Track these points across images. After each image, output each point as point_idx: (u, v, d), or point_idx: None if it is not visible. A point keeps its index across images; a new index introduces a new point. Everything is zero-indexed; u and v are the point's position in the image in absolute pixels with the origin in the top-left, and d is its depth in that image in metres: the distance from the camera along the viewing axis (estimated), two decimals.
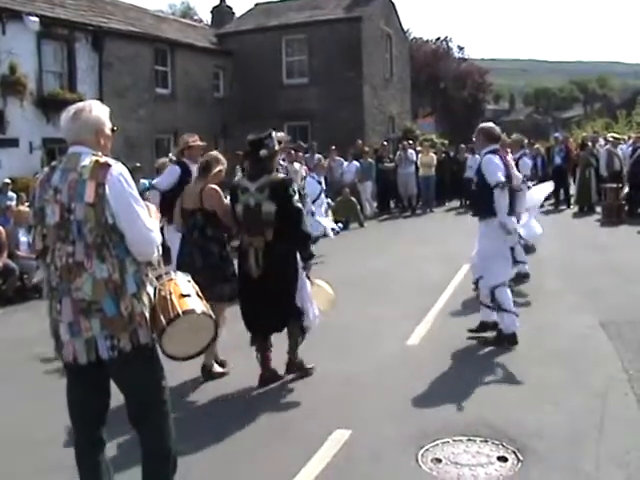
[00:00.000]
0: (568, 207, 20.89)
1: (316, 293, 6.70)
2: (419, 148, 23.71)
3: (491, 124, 8.00)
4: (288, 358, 6.70)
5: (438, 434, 5.20)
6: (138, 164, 15.94)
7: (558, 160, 21.09)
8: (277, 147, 6.65)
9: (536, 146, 24.05)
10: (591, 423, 5.30)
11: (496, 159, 7.40)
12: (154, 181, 8.75)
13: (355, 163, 20.92)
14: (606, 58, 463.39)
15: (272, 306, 6.33)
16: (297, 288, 6.43)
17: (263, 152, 6.41)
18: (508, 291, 7.59)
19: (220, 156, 7.13)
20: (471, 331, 7.76)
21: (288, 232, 6.23)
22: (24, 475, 4.86)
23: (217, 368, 6.89)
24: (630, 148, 19.32)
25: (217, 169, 6.91)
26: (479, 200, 7.73)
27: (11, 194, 14.08)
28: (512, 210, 7.56)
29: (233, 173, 16.24)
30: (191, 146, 8.70)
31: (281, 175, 6.88)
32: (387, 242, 13.77)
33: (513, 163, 8.12)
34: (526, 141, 13.05)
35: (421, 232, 13.74)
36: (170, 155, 18.20)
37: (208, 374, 6.76)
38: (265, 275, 6.27)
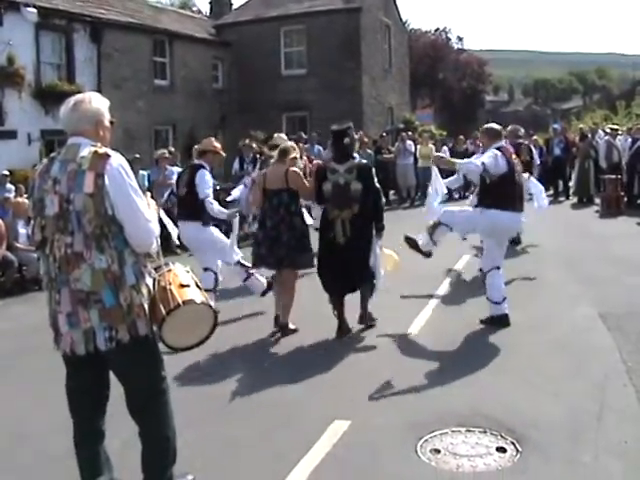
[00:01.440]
0: (567, 198, 20.87)
1: (385, 258, 7.90)
2: (419, 139, 23.66)
3: (490, 124, 8.19)
4: (361, 312, 7.95)
5: (437, 425, 5.21)
6: (137, 155, 15.94)
7: (557, 151, 21.05)
8: (356, 136, 8.01)
9: (534, 137, 24.01)
10: (590, 414, 5.31)
11: (499, 154, 7.59)
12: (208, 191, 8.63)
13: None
14: (605, 49, 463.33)
15: (352, 269, 7.57)
16: (371, 254, 7.64)
17: (346, 140, 7.75)
18: (498, 277, 7.81)
19: (294, 144, 8.63)
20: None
21: (369, 207, 7.53)
22: (24, 466, 4.87)
23: (291, 325, 7.92)
24: (629, 139, 19.28)
25: (292, 155, 8.04)
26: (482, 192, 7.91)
27: (9, 186, 14.05)
28: (517, 201, 7.65)
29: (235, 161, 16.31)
30: (217, 152, 8.93)
31: (364, 161, 8.18)
32: (386, 233, 13.74)
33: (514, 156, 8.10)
34: (523, 131, 13.03)
35: (420, 223, 13.61)
36: (170, 148, 18.24)
37: (284, 331, 7.86)
38: (348, 242, 7.49)
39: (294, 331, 7.89)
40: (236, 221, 8.67)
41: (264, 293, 9.12)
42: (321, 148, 18.99)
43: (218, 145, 9.04)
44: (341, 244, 7.51)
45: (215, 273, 8.74)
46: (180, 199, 9.00)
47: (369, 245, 7.67)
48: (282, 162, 7.93)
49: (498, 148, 7.72)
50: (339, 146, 7.81)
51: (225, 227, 9.55)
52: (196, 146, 9.38)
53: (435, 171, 8.32)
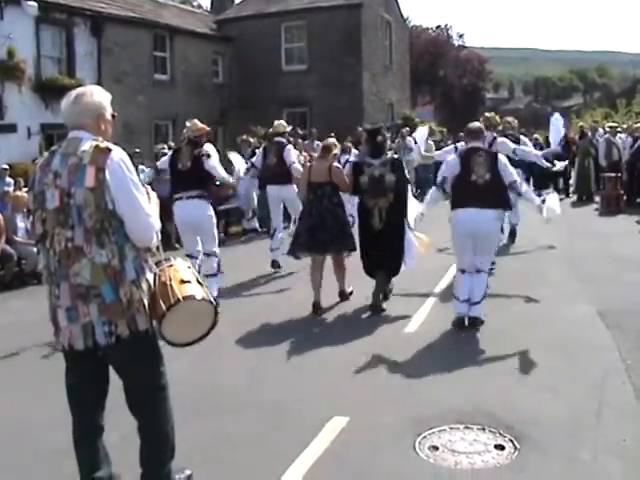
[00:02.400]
0: (567, 196, 20.87)
1: (418, 241, 8.67)
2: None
3: (471, 123, 8.26)
4: (375, 296, 8.69)
5: (435, 422, 5.21)
6: (137, 149, 15.91)
7: (559, 149, 21.07)
8: (387, 134, 9.06)
9: (535, 135, 24.08)
10: (589, 412, 5.31)
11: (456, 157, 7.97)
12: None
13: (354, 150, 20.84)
14: (605, 47, 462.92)
15: (387, 251, 8.58)
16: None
17: (379, 138, 8.74)
18: (459, 278, 7.88)
19: (335, 141, 9.37)
20: None
21: (402, 195, 8.49)
22: (23, 461, 4.87)
23: (348, 290, 9.12)
24: (630, 138, 19.22)
25: (334, 152, 9.05)
26: None
27: (9, 180, 14.03)
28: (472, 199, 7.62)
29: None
30: (207, 133, 9.22)
31: (396, 155, 9.30)
32: None
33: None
34: (516, 123, 13.03)
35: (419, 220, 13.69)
36: (170, 142, 18.24)
37: (343, 297, 9.08)
38: (385, 227, 8.52)
39: (351, 293, 9.14)
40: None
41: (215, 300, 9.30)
42: (319, 142, 18.90)
43: (203, 126, 9.16)
44: (378, 229, 8.53)
45: (217, 256, 9.08)
46: (183, 174, 8.93)
47: (403, 229, 8.55)
48: (325, 158, 8.88)
49: (462, 150, 8.09)
50: (374, 143, 8.73)
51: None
52: (186, 131, 9.29)
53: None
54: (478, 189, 7.58)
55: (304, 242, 8.69)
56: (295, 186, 10.88)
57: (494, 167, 7.64)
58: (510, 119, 13.02)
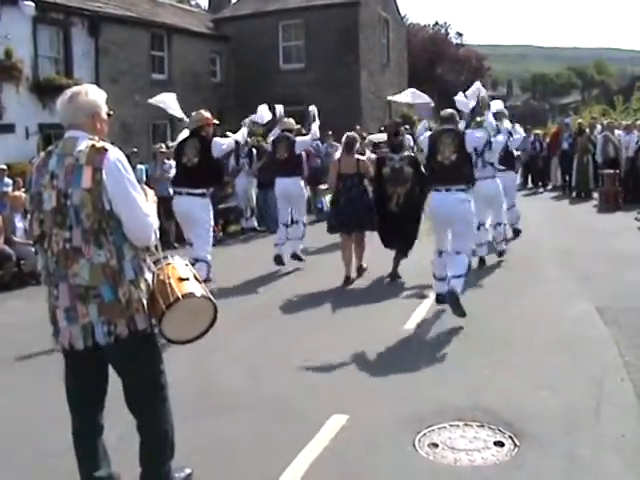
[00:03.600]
0: (565, 193, 20.95)
1: (423, 228, 10.18)
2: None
3: (446, 109, 8.62)
4: (393, 268, 10.28)
5: (435, 419, 5.22)
6: (135, 149, 15.90)
7: (565, 145, 21.30)
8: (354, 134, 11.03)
9: (536, 132, 24.28)
10: (587, 408, 5.32)
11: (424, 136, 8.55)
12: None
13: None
14: (603, 44, 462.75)
15: (402, 231, 10.05)
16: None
17: (399, 138, 10.76)
18: (436, 259, 8.52)
19: (356, 135, 11.02)
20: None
21: (417, 186, 9.88)
22: (24, 461, 4.87)
23: (364, 265, 10.66)
24: (633, 134, 19.04)
25: (357, 146, 10.64)
26: None
27: (7, 180, 14.02)
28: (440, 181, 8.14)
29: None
30: (210, 124, 9.19)
31: (412, 153, 10.75)
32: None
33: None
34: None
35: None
36: (168, 142, 18.19)
37: (361, 271, 10.56)
38: (401, 211, 10.00)
39: (365, 269, 10.61)
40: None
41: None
42: (319, 143, 18.86)
43: (209, 115, 9.19)
44: (395, 212, 10.02)
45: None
46: (188, 170, 8.89)
47: (417, 214, 10.11)
48: (351, 152, 10.38)
49: (432, 132, 8.49)
50: (394, 141, 10.56)
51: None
52: (188, 120, 9.40)
53: None
54: (444, 169, 8.04)
55: (335, 224, 10.38)
56: (302, 181, 11.66)
57: (461, 147, 8.04)
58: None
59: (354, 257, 10.44)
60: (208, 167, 8.81)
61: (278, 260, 11.36)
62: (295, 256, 11.54)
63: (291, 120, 12.39)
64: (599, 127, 21.56)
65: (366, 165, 10.34)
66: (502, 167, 11.13)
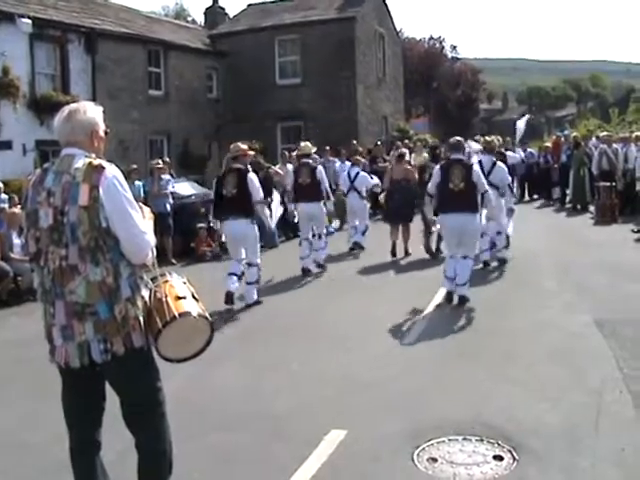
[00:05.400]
0: (563, 205, 20.99)
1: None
2: (414, 148, 23.65)
3: (453, 138, 10.05)
4: (405, 247, 13.78)
5: (434, 433, 5.21)
6: (134, 166, 15.90)
7: (564, 158, 21.36)
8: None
9: (530, 150, 24.42)
10: (587, 421, 5.31)
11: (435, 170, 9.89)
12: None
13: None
14: (598, 57, 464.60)
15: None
16: None
17: (437, 151, 15.06)
18: (448, 261, 9.60)
19: (407, 150, 16.43)
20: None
21: None
22: (24, 476, 4.86)
23: (410, 250, 13.66)
24: (626, 147, 18.98)
25: (407, 157, 15.00)
26: None
27: (3, 196, 14.02)
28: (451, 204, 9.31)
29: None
30: (246, 155, 10.41)
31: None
32: (381, 242, 13.86)
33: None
34: (496, 143, 13.55)
35: (415, 231, 13.77)
36: (165, 158, 18.20)
37: (407, 254, 13.69)
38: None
39: (410, 253, 13.58)
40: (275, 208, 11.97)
41: (256, 303, 10.09)
42: (317, 157, 18.84)
43: (245, 147, 10.45)
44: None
45: (258, 266, 10.21)
46: (228, 199, 10.00)
47: None
48: (401, 162, 14.17)
49: (443, 163, 9.83)
50: (434, 154, 15.02)
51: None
52: (228, 154, 10.47)
53: None
54: (454, 195, 9.21)
55: (388, 217, 13.99)
56: (322, 203, 12.80)
57: (469, 177, 9.26)
58: (498, 138, 14.84)
59: (401, 240, 13.62)
60: (245, 198, 9.91)
61: (305, 272, 12.35)
62: (319, 265, 12.79)
63: (308, 144, 13.55)
64: (594, 139, 21.62)
65: (412, 172, 14.31)
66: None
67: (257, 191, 10.01)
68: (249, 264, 10.11)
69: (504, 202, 12.12)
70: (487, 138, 13.12)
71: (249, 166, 10.37)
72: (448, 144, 9.75)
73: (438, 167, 9.74)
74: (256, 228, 10.18)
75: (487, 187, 9.64)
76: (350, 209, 15.30)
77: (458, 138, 9.91)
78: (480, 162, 11.31)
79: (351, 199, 15.09)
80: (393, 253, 13.48)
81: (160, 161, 16.39)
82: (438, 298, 9.68)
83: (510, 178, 12.46)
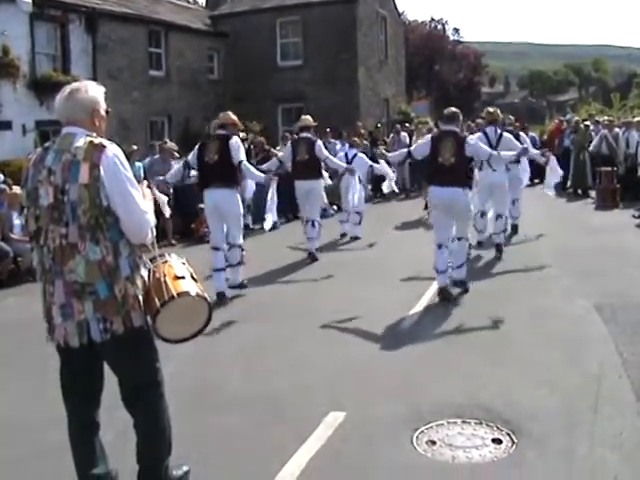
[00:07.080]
0: (563, 190, 20.93)
1: None
2: (415, 131, 23.56)
3: (448, 109, 9.27)
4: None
5: (433, 416, 5.21)
6: (135, 146, 15.81)
7: (567, 142, 21.13)
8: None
9: (531, 134, 24.12)
10: (585, 405, 5.32)
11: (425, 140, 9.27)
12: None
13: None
14: (600, 41, 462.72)
15: None
16: None
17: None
18: (437, 252, 8.87)
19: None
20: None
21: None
22: (23, 458, 4.86)
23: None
24: (629, 132, 18.95)
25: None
26: None
27: (2, 177, 13.96)
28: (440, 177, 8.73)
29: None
30: (235, 125, 9.73)
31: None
32: (381, 226, 13.83)
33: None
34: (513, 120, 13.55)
35: (415, 214, 13.87)
36: (165, 139, 18.14)
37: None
38: None
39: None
40: (273, 185, 9.86)
41: (240, 286, 9.54)
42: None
43: (235, 118, 9.62)
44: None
45: (241, 247, 9.35)
46: (210, 166, 9.18)
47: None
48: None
49: (434, 134, 9.47)
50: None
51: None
52: (215, 120, 9.89)
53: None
54: (444, 170, 8.57)
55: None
56: (322, 181, 11.95)
57: (461, 152, 8.57)
58: (510, 117, 14.36)
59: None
60: (226, 165, 9.06)
61: (311, 256, 11.83)
62: (310, 255, 11.85)
63: (308, 117, 12.49)
64: (591, 126, 21.48)
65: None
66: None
67: (238, 155, 9.11)
68: (231, 244, 9.30)
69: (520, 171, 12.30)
70: (489, 109, 12.32)
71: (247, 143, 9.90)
72: (443, 115, 9.06)
73: (429, 137, 9.23)
74: (240, 201, 9.33)
75: (491, 151, 9.14)
76: (344, 192, 13.92)
77: (454, 109, 9.11)
78: (485, 133, 11.08)
79: (345, 182, 13.87)
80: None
81: (168, 141, 16.29)
82: (435, 285, 9.67)
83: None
